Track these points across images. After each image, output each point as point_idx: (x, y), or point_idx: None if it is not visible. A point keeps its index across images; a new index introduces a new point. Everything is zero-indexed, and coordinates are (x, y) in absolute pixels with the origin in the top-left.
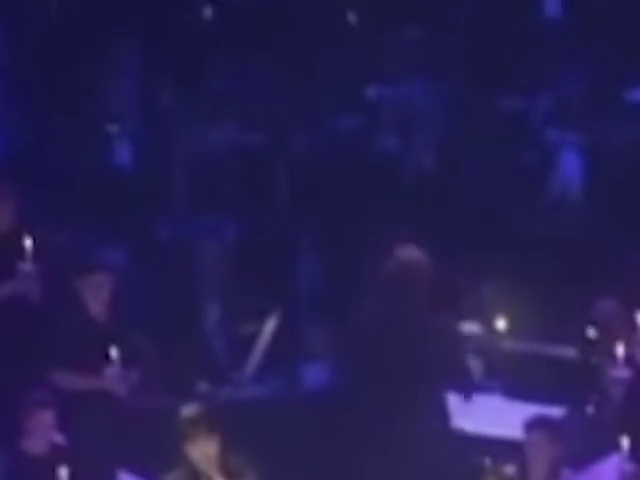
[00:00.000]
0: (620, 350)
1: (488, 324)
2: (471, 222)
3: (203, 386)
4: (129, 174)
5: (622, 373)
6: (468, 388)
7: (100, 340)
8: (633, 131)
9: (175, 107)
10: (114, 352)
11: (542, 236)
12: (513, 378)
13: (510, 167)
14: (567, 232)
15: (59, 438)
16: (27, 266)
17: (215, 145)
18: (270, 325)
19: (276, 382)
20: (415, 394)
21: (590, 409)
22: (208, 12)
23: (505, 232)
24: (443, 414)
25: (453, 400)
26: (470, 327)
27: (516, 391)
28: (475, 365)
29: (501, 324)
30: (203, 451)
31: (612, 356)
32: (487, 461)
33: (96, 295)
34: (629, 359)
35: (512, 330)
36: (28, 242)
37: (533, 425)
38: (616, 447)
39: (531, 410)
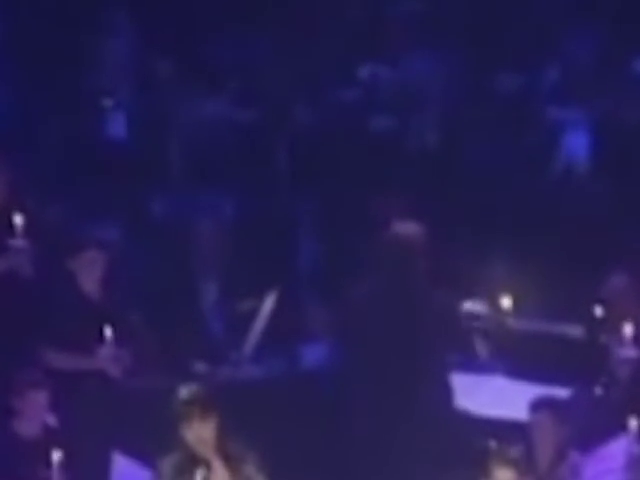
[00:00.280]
0: (628, 329)
1: (492, 302)
2: (475, 199)
3: (200, 366)
4: (123, 147)
5: (630, 353)
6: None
7: (94, 319)
8: None
9: (172, 79)
10: (108, 331)
11: (547, 212)
12: (518, 358)
13: (514, 143)
14: (573, 208)
15: (52, 420)
16: (18, 242)
17: (212, 118)
18: (269, 303)
19: (275, 362)
20: (416, 372)
21: (597, 390)
22: None
23: (510, 209)
24: (446, 392)
25: (456, 380)
26: (474, 305)
27: (521, 371)
28: (479, 344)
29: (506, 302)
30: (197, 434)
31: (620, 335)
32: (492, 443)
33: (89, 273)
34: (637, 338)
35: (517, 308)
36: (19, 218)
37: (539, 406)
38: (624, 428)
39: (536, 391)
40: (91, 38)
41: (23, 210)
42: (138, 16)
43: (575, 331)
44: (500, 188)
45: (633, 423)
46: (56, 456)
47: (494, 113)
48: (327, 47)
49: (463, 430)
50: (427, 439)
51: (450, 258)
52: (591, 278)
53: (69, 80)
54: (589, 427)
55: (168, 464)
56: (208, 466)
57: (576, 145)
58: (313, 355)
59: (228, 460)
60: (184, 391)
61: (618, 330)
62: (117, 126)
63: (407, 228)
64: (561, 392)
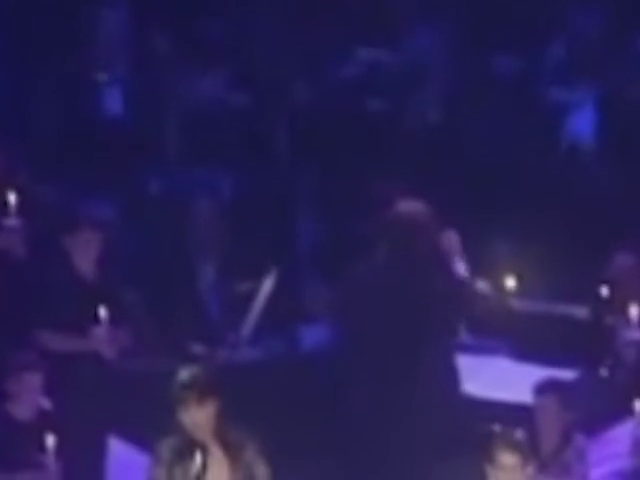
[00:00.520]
0: (634, 310)
1: (496, 282)
2: (478, 178)
3: (198, 348)
4: (119, 124)
5: (636, 334)
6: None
7: (89, 299)
8: None
9: (169, 55)
10: (103, 312)
11: (552, 191)
12: (522, 339)
13: (518, 122)
14: (578, 188)
15: (46, 403)
16: (11, 221)
17: (210, 96)
18: (268, 284)
19: (274, 343)
20: (418, 353)
21: (603, 372)
22: None
23: (514, 188)
24: (449, 374)
25: (458, 362)
26: (478, 285)
27: (525, 353)
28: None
29: (510, 283)
30: (194, 418)
31: (626, 316)
32: (495, 427)
33: (84, 252)
34: None
35: (521, 289)
36: (12, 197)
37: (543, 389)
38: (630, 411)
39: (541, 373)
40: (87, 11)
41: (16, 188)
42: None
43: (580, 312)
44: (504, 167)
45: (639, 406)
46: (50, 440)
47: (497, 91)
48: (327, 25)
49: (465, 413)
50: (429, 422)
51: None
52: (596, 258)
53: (64, 55)
54: (594, 410)
55: (166, 447)
56: (206, 451)
57: (581, 124)
58: (313, 337)
59: (227, 445)
60: (184, 373)
61: (624, 311)
62: (113, 102)
63: (411, 207)
64: (566, 374)
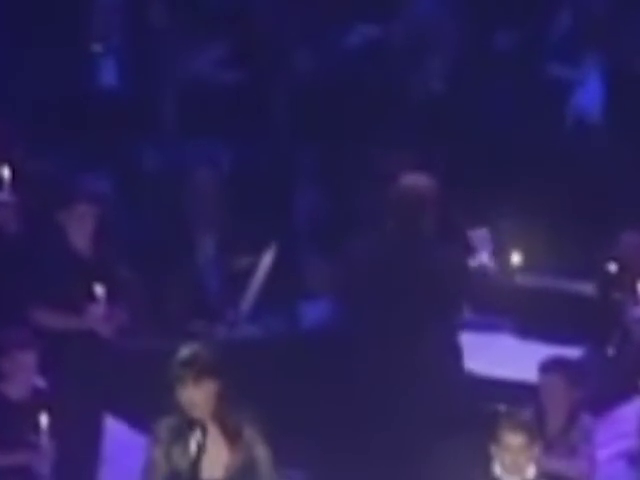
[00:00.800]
0: None
1: (502, 258)
2: (484, 152)
3: (196, 325)
4: (115, 96)
5: None
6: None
7: (84, 276)
8: None
9: (166, 24)
10: (99, 289)
11: (559, 165)
12: (527, 316)
13: (525, 95)
14: (585, 162)
15: (40, 382)
16: (4, 196)
17: (208, 67)
18: (267, 259)
19: (274, 320)
20: (421, 330)
21: (610, 350)
22: None
23: (521, 161)
24: (453, 351)
25: (462, 339)
26: (483, 261)
27: (530, 330)
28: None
29: (516, 258)
30: (190, 397)
31: (634, 293)
32: (501, 407)
33: (79, 227)
34: None
35: (527, 264)
36: (5, 170)
37: (549, 367)
38: (638, 390)
39: (546, 350)
40: None
41: (9, 162)
42: None
43: (587, 288)
44: (509, 142)
45: None
46: (45, 420)
47: (502, 65)
48: None
49: (470, 392)
50: (432, 401)
51: (458, 212)
52: (604, 234)
53: (58, 25)
54: (601, 389)
55: (165, 427)
56: (205, 431)
57: (587, 98)
58: (313, 313)
59: (226, 426)
60: (184, 351)
61: (632, 288)
62: (108, 73)
63: (416, 180)
64: (572, 352)
